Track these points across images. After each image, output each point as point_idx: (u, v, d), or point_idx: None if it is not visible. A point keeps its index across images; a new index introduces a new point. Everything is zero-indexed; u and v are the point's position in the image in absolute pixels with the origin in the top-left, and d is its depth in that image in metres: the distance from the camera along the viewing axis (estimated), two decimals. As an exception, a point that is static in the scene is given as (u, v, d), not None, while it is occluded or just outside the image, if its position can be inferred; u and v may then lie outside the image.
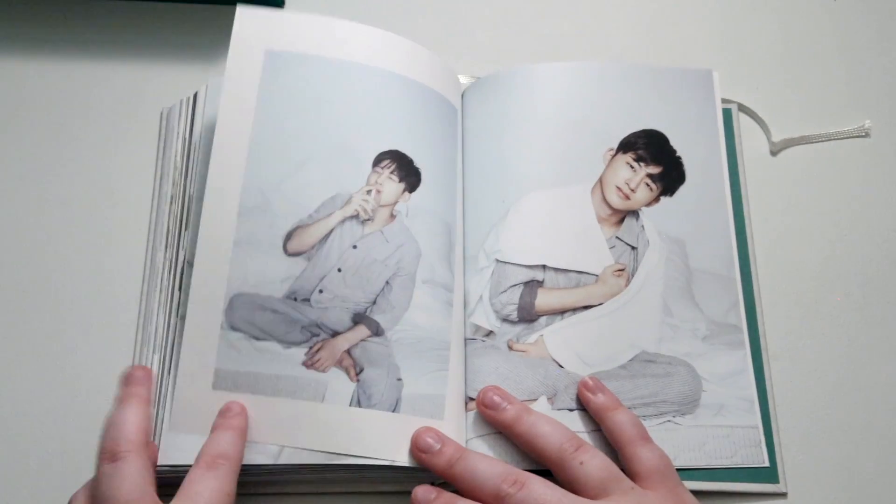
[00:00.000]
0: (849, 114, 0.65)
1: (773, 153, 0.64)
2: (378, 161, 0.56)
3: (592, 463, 0.49)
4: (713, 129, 0.61)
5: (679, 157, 0.59)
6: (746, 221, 0.60)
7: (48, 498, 0.53)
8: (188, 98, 0.62)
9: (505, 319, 0.55)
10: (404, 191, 0.56)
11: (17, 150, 0.62)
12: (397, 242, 0.55)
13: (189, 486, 0.46)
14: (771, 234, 0.61)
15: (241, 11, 0.56)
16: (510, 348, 0.55)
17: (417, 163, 0.56)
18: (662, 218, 0.58)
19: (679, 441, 0.53)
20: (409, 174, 0.56)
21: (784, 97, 0.65)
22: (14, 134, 0.63)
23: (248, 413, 0.51)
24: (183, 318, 0.53)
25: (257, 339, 0.52)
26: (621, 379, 0.54)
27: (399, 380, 0.52)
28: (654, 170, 0.59)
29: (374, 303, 0.54)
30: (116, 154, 0.62)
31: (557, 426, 0.50)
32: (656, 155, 0.59)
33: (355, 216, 0.55)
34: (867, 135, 0.64)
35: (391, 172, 0.56)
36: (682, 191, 0.59)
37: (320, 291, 0.54)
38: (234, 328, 0.52)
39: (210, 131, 0.57)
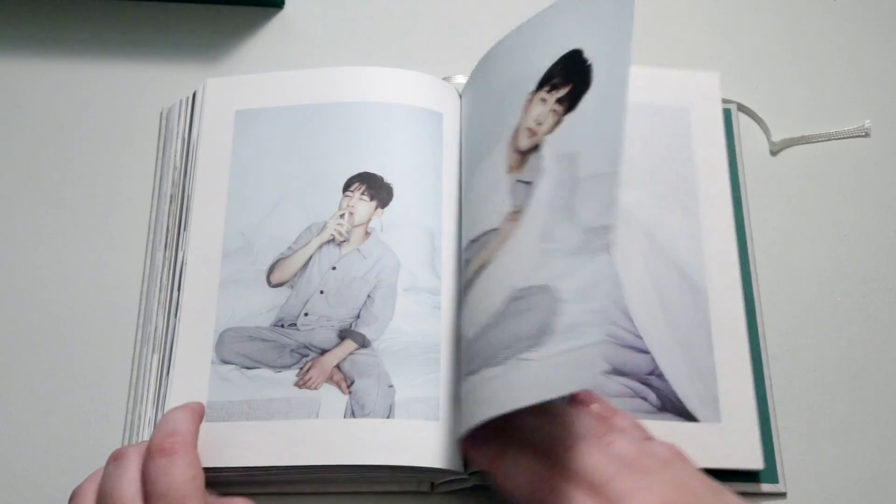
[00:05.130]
0: (849, 114, 0.65)
1: (773, 153, 0.64)
2: (348, 186, 0.58)
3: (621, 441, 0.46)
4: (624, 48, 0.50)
5: (589, 65, 0.51)
6: (746, 222, 0.60)
7: (48, 497, 0.53)
8: (187, 98, 0.62)
9: None
10: (377, 208, 0.57)
11: (17, 150, 0.62)
12: (375, 257, 0.56)
13: (151, 485, 0.45)
14: (771, 234, 0.61)
15: (211, 81, 0.62)
16: None
17: (388, 178, 0.58)
18: (563, 138, 0.52)
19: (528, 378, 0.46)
20: (379, 191, 0.58)
21: (784, 97, 0.65)
22: (14, 134, 0.63)
23: (241, 438, 0.51)
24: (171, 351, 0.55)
25: (248, 368, 0.54)
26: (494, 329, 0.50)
27: (390, 386, 0.53)
28: (563, 91, 0.52)
29: (358, 317, 0.55)
30: (116, 154, 0.62)
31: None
32: (569, 75, 0.52)
33: (332, 240, 0.57)
34: (867, 135, 0.64)
35: (362, 193, 0.58)
36: (583, 101, 0.51)
37: (305, 315, 0.55)
38: (224, 361, 0.54)
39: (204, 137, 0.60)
